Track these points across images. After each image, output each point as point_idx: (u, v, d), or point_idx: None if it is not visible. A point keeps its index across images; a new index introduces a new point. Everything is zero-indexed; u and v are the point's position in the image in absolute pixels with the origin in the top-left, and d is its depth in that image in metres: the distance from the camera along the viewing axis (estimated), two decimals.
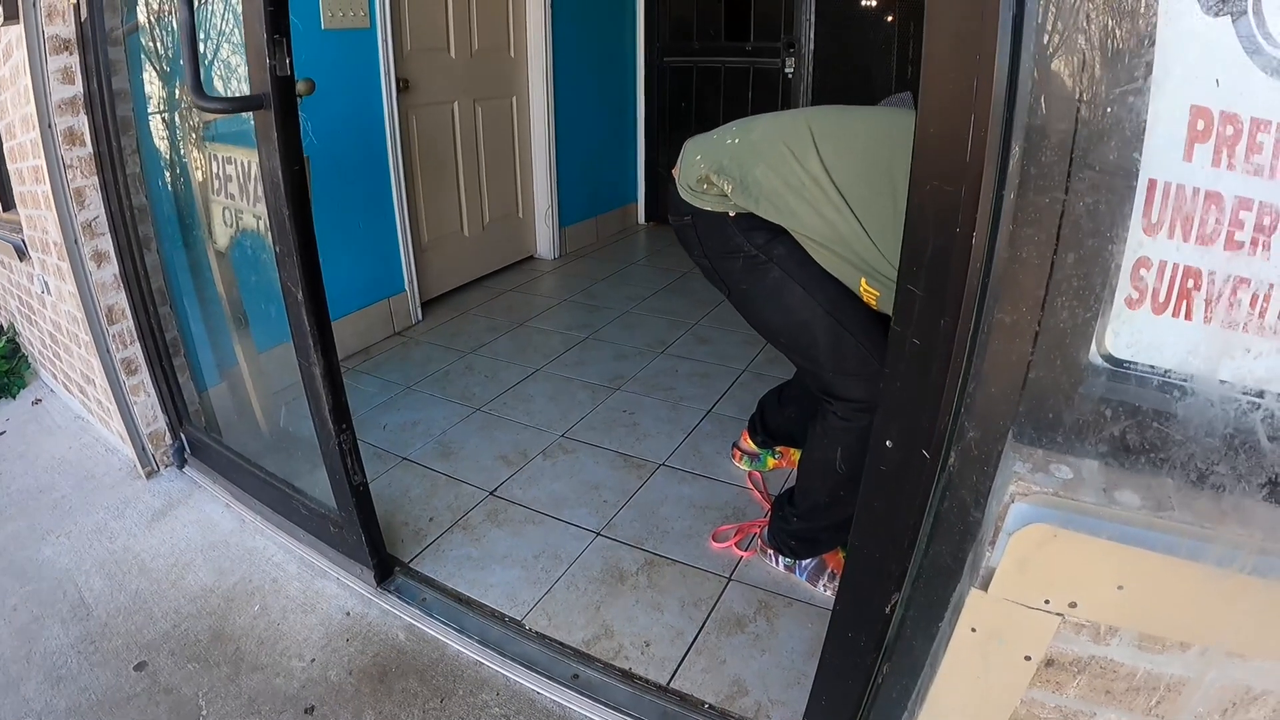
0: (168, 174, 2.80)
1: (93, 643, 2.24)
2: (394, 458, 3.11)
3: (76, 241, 2.70)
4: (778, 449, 2.99)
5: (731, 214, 2.06)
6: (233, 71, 2.41)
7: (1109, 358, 1.05)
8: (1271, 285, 0.94)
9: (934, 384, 1.16)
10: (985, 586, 1.13)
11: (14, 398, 3.90)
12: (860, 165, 1.86)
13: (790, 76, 5.59)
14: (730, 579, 2.39)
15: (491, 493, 2.87)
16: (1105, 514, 1.04)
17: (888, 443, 1.26)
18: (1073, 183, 0.99)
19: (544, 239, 5.63)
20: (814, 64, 5.48)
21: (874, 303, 2.00)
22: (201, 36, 2.32)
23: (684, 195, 2.15)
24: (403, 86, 4.15)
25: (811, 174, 1.88)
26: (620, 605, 2.31)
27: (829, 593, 2.32)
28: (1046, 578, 1.09)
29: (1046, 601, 1.10)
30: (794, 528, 2.35)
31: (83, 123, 2.63)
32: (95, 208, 2.72)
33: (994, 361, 1.10)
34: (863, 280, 1.96)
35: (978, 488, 1.17)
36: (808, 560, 2.39)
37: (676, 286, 5.05)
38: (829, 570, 2.37)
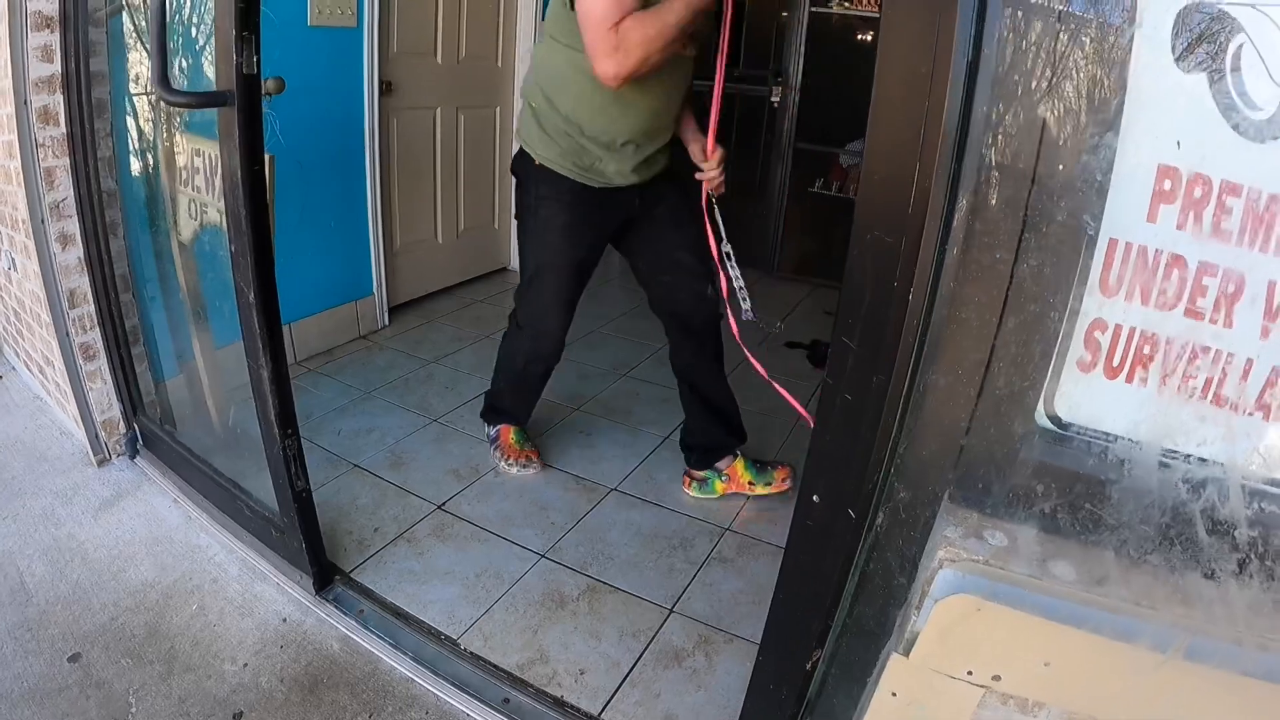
0: (139, 161, 2.79)
1: (30, 630, 2.22)
2: (345, 464, 3.09)
3: (43, 221, 2.68)
4: (721, 469, 3.01)
5: (536, 160, 2.55)
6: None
7: (1056, 420, 1.03)
8: (1231, 356, 0.92)
9: (864, 442, 1.14)
10: (908, 652, 1.12)
11: None
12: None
13: (776, 106, 5.60)
14: (672, 610, 2.39)
15: (439, 506, 2.86)
16: (1035, 586, 1.02)
17: (814, 497, 1.24)
18: (1023, 242, 0.96)
19: (518, 252, 5.56)
20: (800, 95, 5.50)
21: None
22: (194, 22, 2.31)
23: (532, 141, 2.57)
24: (385, 89, 4.13)
25: (563, 116, 2.44)
26: (558, 630, 2.30)
27: (502, 465, 3.09)
28: (969, 649, 1.08)
29: (969, 673, 1.09)
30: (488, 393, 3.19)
31: (58, 102, 2.61)
32: (64, 189, 2.70)
33: (929, 422, 1.09)
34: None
35: (903, 552, 1.16)
36: (492, 429, 3.17)
37: (644, 309, 4.93)
38: (499, 444, 3.14)
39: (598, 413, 3.59)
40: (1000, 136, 0.96)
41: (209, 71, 2.26)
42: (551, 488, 3.01)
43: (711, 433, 2.97)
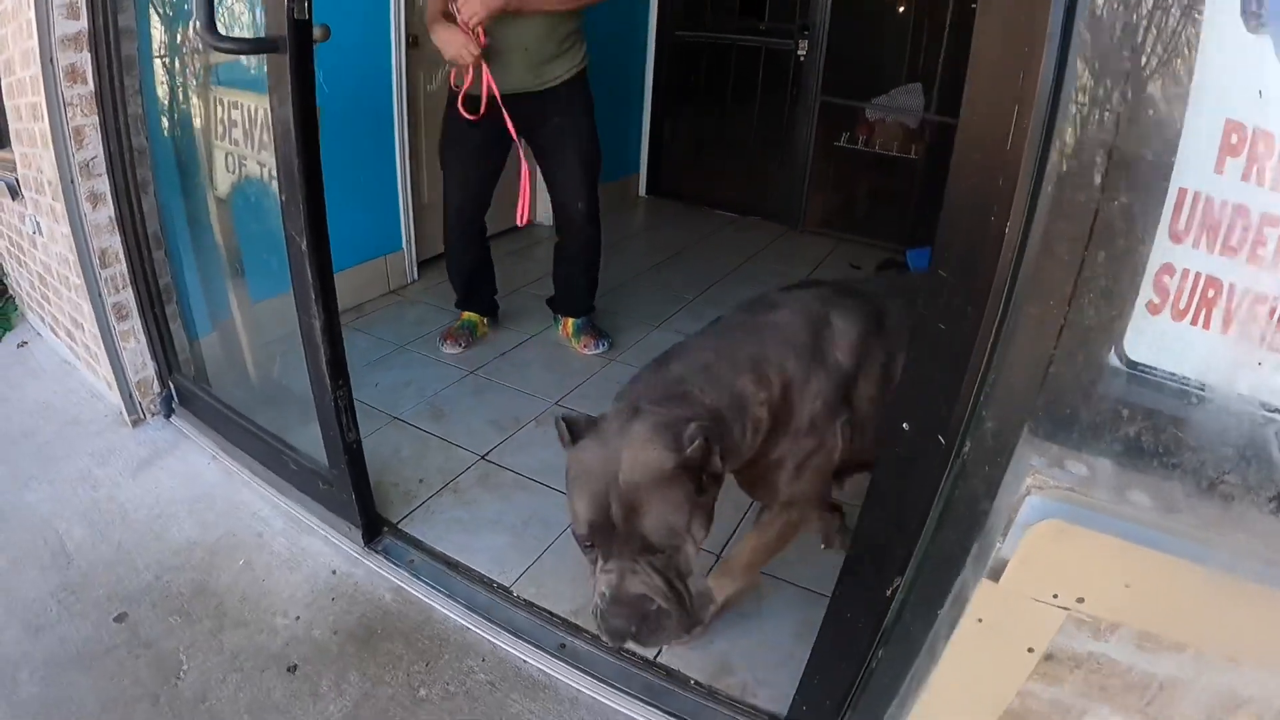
0: (170, 116, 2.77)
1: (73, 592, 2.22)
2: (385, 416, 3.09)
3: (73, 182, 2.66)
4: (559, 319, 3.88)
5: None
6: (236, 19, 2.36)
7: (1127, 360, 1.05)
8: None
9: (956, 371, 1.15)
10: (995, 578, 1.12)
11: None
12: None
13: (803, 60, 5.50)
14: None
15: (483, 457, 2.86)
16: (1117, 512, 1.04)
17: (905, 425, 1.25)
18: (1108, 183, 0.98)
19: (545, 205, 5.47)
20: (827, 48, 5.39)
21: None
22: None
23: None
24: (413, 42, 4.08)
25: None
26: None
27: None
28: (1057, 572, 1.09)
29: (1055, 596, 1.10)
30: None
31: (85, 60, 2.57)
32: (94, 148, 2.66)
33: (1017, 354, 1.10)
34: None
35: (990, 478, 1.17)
36: None
37: (674, 261, 5.03)
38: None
39: (634, 363, 3.53)
40: (1092, 81, 0.97)
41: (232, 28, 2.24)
42: None
43: (557, 295, 3.80)
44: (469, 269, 3.66)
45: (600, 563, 1.61)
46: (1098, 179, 0.98)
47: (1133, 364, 1.04)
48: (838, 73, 5.45)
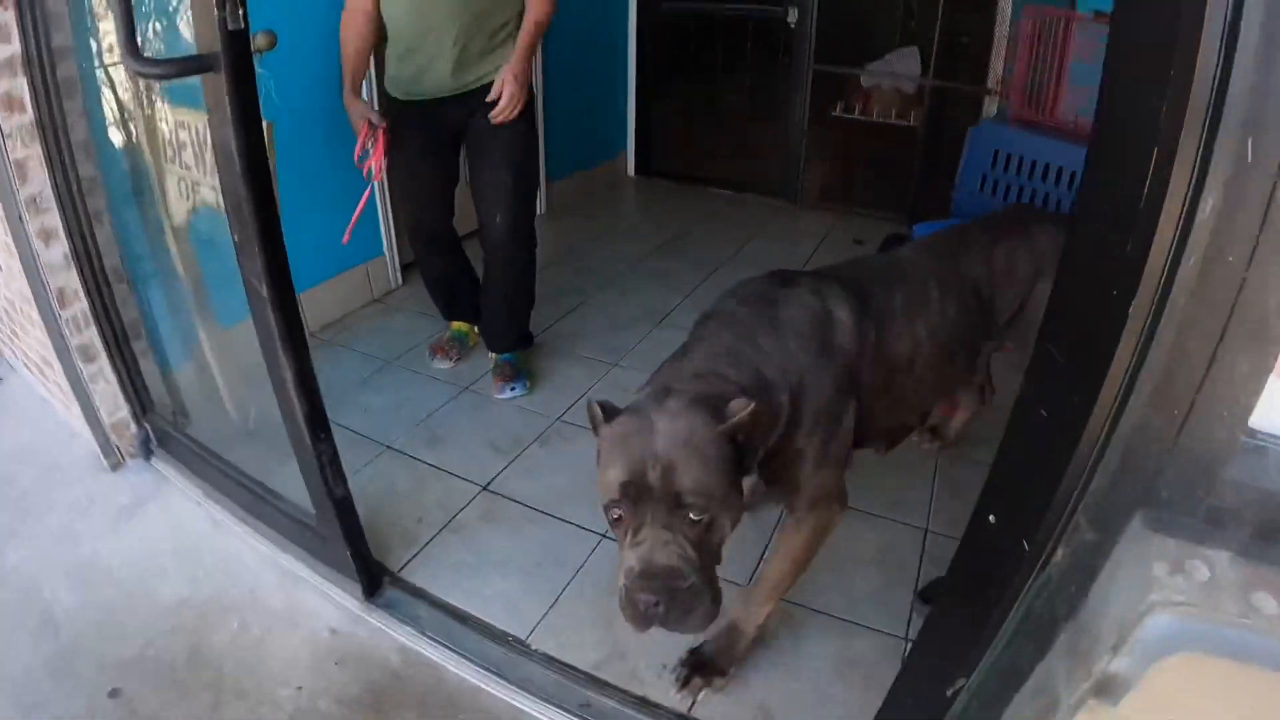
0: (118, 141, 2.59)
1: (63, 664, 2.09)
2: (377, 446, 2.93)
3: (21, 219, 2.47)
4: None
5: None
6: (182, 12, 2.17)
7: (1253, 432, 0.90)
8: None
9: (1055, 466, 1.00)
10: (1103, 697, 0.98)
11: None
12: None
13: (793, 27, 5.28)
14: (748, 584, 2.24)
15: (484, 487, 2.70)
16: (1243, 625, 0.89)
17: (990, 518, 1.12)
18: (1260, 244, 0.80)
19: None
20: (818, 14, 5.19)
21: None
22: None
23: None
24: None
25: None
26: None
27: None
28: (1179, 700, 0.96)
29: None
30: None
31: (21, 86, 2.37)
32: (39, 181, 2.47)
33: (1133, 443, 0.95)
34: None
35: (1077, 590, 1.03)
36: None
37: (670, 247, 4.83)
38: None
39: (640, 367, 3.36)
40: (1259, 117, 0.77)
41: (185, 34, 2.04)
42: None
43: (480, 322, 3.48)
44: (446, 281, 3.51)
45: (630, 535, 1.57)
46: (1247, 247, 0.81)
47: (1258, 435, 0.89)
48: (830, 39, 5.27)
